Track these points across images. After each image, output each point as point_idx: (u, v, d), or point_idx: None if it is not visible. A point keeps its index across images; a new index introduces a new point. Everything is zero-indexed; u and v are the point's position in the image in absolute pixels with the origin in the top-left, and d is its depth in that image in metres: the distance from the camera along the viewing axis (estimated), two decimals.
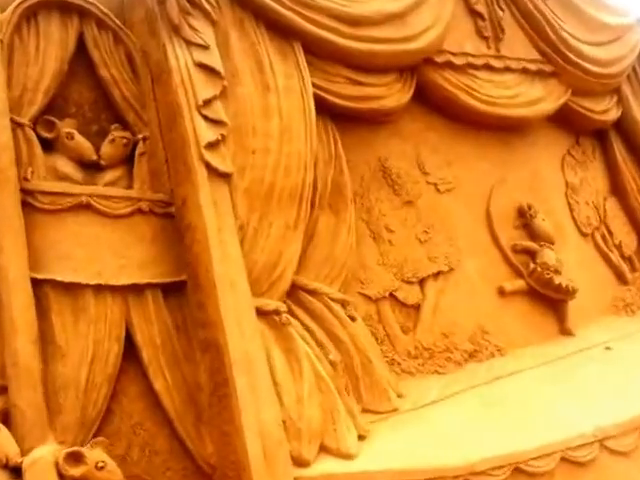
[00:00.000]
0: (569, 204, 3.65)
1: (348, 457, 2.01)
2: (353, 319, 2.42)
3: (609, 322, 3.48)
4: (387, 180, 2.98)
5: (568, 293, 3.15)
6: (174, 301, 2.12)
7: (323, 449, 1.98)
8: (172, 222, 2.16)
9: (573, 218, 3.64)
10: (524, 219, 3.29)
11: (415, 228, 2.95)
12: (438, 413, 2.33)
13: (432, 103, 3.16)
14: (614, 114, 3.96)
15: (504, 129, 3.42)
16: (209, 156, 2.13)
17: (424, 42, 2.94)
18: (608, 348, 3.09)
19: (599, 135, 4.06)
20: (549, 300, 3.21)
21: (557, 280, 3.10)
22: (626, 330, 3.40)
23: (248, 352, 1.95)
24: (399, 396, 2.41)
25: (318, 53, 2.67)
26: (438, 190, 3.10)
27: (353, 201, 2.68)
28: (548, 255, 3.22)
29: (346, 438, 1.99)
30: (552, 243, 3.29)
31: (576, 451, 2.14)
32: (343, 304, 2.43)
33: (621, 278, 3.82)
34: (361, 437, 2.09)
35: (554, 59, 3.51)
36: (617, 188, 4.02)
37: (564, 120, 3.78)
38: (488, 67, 3.27)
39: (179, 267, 2.12)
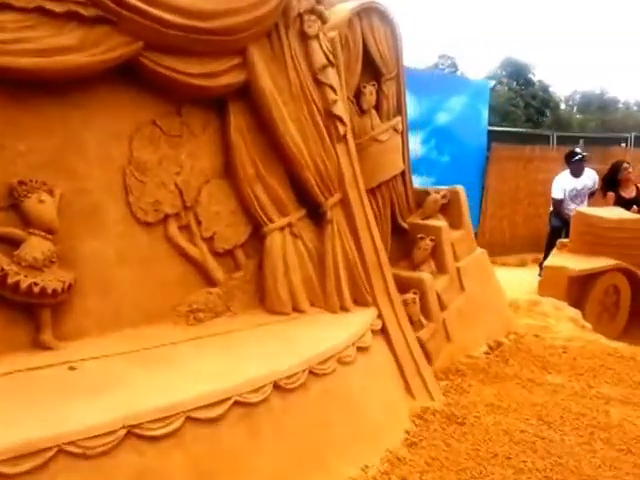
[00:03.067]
0: (126, 184, 3.00)
1: None
2: None
3: (147, 332, 2.88)
4: None
5: (32, 296, 2.52)
6: None
7: None
8: None
9: (128, 202, 2.99)
10: (13, 199, 2.63)
11: None
12: None
13: None
14: (229, 80, 3.24)
15: (23, 83, 2.72)
16: None
17: None
18: (72, 368, 2.48)
19: (220, 105, 3.41)
20: (27, 304, 2.59)
21: (13, 278, 2.46)
22: (157, 342, 2.80)
23: None
24: None
25: None
26: None
27: None
28: (31, 247, 2.56)
29: None
30: (50, 231, 2.64)
31: None
32: None
33: (207, 278, 3.25)
34: None
35: (101, 2, 2.81)
36: (230, 170, 3.40)
37: (149, 82, 3.11)
38: None
39: None
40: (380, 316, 3.48)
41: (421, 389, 3.43)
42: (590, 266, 5.86)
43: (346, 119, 3.69)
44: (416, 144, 10.25)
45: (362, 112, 4.24)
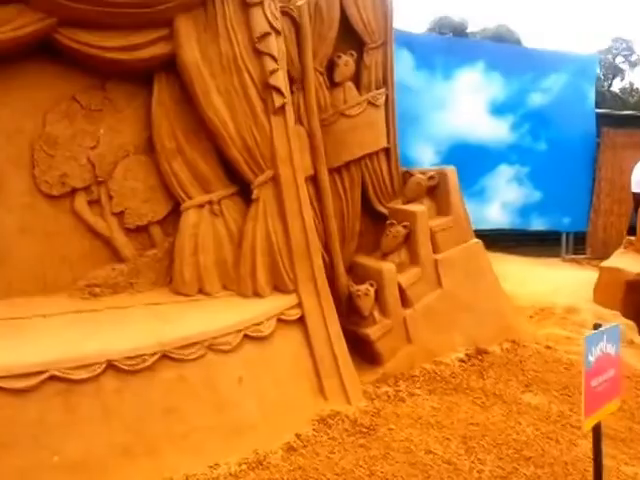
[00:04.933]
0: (33, 157, 3.05)
1: None
2: None
3: (36, 302, 2.89)
4: None
5: None
6: None
7: None
8: None
9: (33, 175, 3.05)
10: None
11: None
12: None
13: None
14: (151, 52, 3.15)
15: None
16: None
17: None
18: None
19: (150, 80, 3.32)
20: None
21: None
22: (35, 312, 2.78)
23: None
24: None
25: None
26: None
27: None
28: None
29: None
30: None
31: None
32: None
33: (115, 254, 3.18)
34: None
35: None
36: (151, 145, 3.29)
37: (69, 57, 3.13)
38: None
39: None
40: (300, 305, 3.13)
41: (337, 391, 3.01)
42: None
43: (285, 90, 3.37)
44: (504, 129, 9.28)
45: (334, 85, 3.89)
